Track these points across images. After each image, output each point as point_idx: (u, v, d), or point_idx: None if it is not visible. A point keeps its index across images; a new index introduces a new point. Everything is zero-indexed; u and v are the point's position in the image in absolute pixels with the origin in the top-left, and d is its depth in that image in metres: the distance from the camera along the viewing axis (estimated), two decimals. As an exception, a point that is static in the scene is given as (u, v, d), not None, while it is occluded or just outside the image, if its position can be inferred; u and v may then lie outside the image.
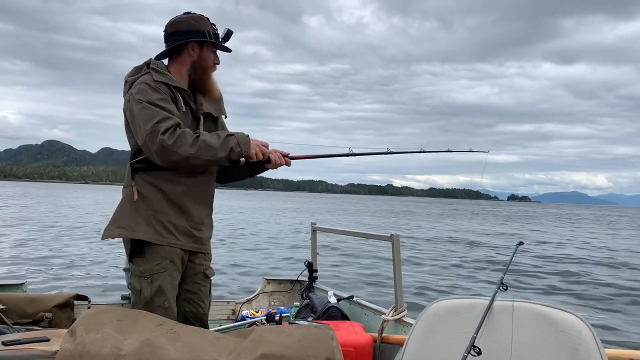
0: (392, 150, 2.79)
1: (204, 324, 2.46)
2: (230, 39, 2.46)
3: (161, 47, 2.44)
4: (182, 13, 2.43)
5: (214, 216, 2.54)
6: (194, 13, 2.42)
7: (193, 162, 2.19)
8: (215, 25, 2.43)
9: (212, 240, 2.54)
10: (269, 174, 2.55)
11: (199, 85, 2.43)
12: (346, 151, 2.61)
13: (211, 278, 2.53)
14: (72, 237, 15.23)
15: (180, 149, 2.14)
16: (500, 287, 2.06)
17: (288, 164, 2.44)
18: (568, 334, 1.78)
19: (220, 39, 2.42)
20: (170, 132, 2.14)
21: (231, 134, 2.26)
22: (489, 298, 1.96)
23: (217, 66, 2.47)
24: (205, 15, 2.41)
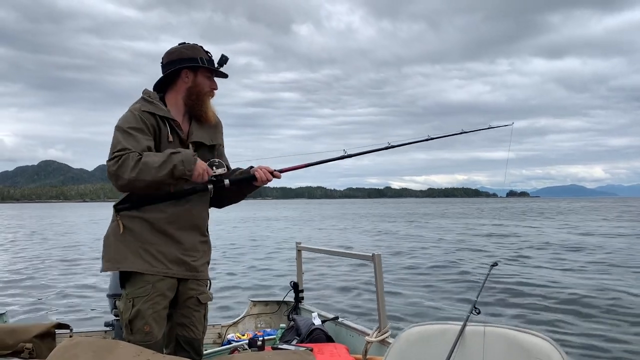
0: (393, 143, 2.70)
1: (195, 349, 2.47)
2: (220, 51, 2.54)
3: (153, 63, 2.48)
4: (177, 44, 2.51)
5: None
6: (188, 43, 2.50)
7: (138, 185, 2.23)
8: (210, 53, 2.50)
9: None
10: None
11: (194, 111, 2.47)
12: (340, 154, 2.58)
13: (207, 303, 2.54)
14: (56, 262, 15.01)
15: (124, 174, 2.20)
16: (473, 311, 2.06)
17: (278, 177, 2.49)
18: (538, 358, 1.77)
19: (215, 65, 2.48)
20: (117, 159, 2.21)
21: (176, 152, 2.27)
22: (461, 323, 1.96)
23: (215, 92, 2.52)
24: (199, 45, 2.49)
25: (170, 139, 2.37)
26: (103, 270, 2.40)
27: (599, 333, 6.72)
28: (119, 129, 2.30)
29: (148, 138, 2.31)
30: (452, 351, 1.84)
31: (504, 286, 10.37)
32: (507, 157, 3.43)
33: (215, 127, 2.58)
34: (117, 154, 2.21)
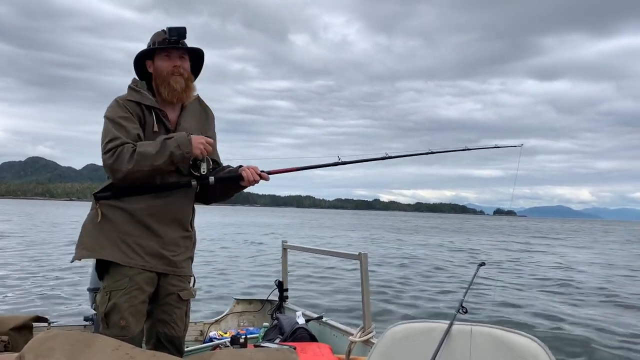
0: (390, 154, 2.62)
1: (176, 347, 2.43)
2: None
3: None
4: None
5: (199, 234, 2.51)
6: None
7: (136, 175, 2.21)
8: (173, 32, 2.35)
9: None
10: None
11: (166, 97, 2.37)
12: (334, 161, 2.51)
13: (190, 300, 2.49)
14: (37, 255, 14.79)
15: (121, 166, 2.18)
16: (460, 310, 2.03)
17: (265, 179, 2.42)
18: (525, 358, 1.75)
19: (167, 40, 2.34)
20: (112, 151, 2.19)
21: (169, 137, 2.24)
22: (448, 322, 1.93)
23: (183, 70, 2.37)
24: (164, 28, 2.36)
25: (156, 129, 2.33)
26: (74, 259, 2.34)
27: (589, 335, 6.79)
28: (108, 119, 2.27)
29: (137, 126, 2.29)
30: (438, 350, 1.81)
31: (492, 286, 10.44)
32: (515, 177, 3.28)
33: (206, 119, 2.52)
34: (111, 145, 2.19)
